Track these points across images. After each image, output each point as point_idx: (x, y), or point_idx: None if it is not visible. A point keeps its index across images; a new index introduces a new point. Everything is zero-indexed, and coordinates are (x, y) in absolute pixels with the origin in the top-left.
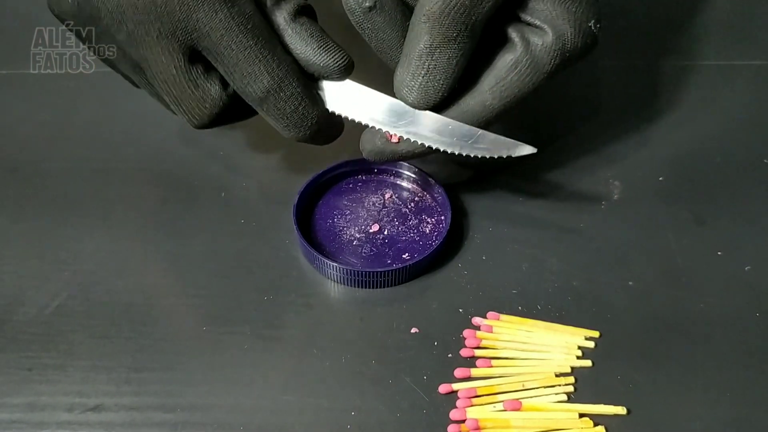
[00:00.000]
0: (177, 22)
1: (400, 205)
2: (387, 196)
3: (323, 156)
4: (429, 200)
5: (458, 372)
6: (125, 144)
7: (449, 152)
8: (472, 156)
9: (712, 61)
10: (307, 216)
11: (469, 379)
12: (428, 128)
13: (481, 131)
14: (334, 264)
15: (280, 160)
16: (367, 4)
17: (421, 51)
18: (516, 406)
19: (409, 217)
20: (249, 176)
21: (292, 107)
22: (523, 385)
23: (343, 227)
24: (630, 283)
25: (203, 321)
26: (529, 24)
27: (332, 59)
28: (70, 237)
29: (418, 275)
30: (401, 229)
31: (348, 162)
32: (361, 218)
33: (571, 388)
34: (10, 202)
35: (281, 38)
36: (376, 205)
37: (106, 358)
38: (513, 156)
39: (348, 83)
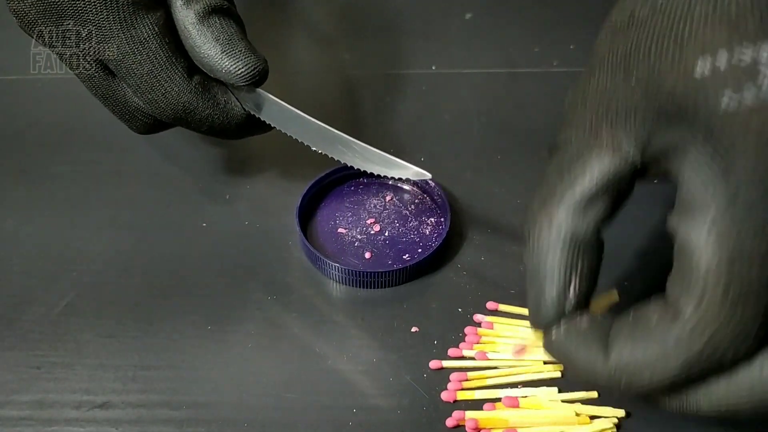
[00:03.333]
0: (85, 44)
1: (401, 207)
2: (388, 198)
3: (325, 159)
4: (429, 202)
5: (451, 352)
6: (131, 147)
7: (343, 163)
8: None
9: None
10: (310, 218)
11: (462, 358)
12: (330, 141)
13: (383, 156)
14: (336, 265)
15: (284, 164)
16: None
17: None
18: (514, 404)
19: (410, 218)
20: (253, 179)
21: (207, 125)
22: (512, 371)
23: (345, 229)
24: (625, 283)
25: (208, 320)
26: None
27: (236, 66)
28: (78, 238)
29: (419, 275)
30: (402, 230)
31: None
32: (362, 220)
33: (558, 374)
34: (20, 203)
35: (187, 41)
36: (377, 207)
37: (113, 357)
38: (403, 178)
39: (260, 92)
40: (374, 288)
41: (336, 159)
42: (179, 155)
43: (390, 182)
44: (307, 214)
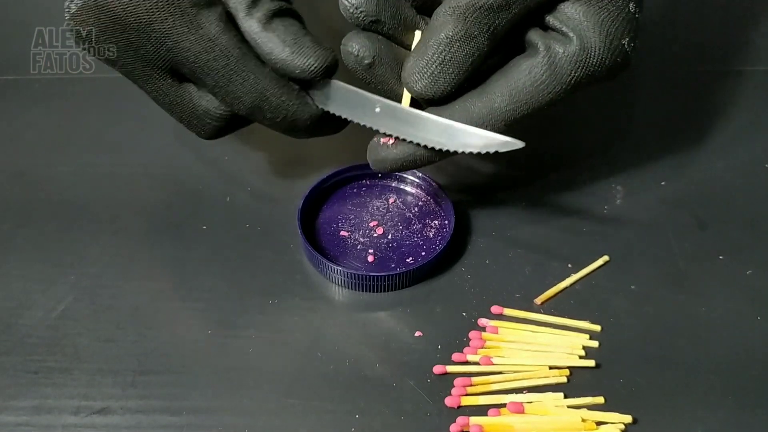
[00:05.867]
0: (153, 54)
1: (404, 209)
2: (391, 200)
3: (328, 161)
4: (432, 205)
5: (455, 357)
6: (130, 149)
7: (437, 149)
8: (459, 152)
9: (714, 66)
10: (312, 220)
11: (466, 363)
12: (412, 125)
13: (464, 126)
14: (338, 268)
15: (285, 165)
16: (366, 61)
17: (440, 41)
18: (518, 409)
19: (413, 221)
20: (254, 181)
21: (282, 115)
22: (517, 376)
23: (348, 231)
24: (632, 286)
25: (208, 324)
26: (554, 30)
27: (308, 63)
28: (75, 241)
29: (422, 279)
30: (405, 233)
31: (352, 167)
32: (365, 222)
33: (564, 379)
34: (17, 206)
35: (257, 49)
36: (380, 209)
37: (112, 362)
38: (500, 152)
39: (333, 83)
40: (377, 292)
41: (420, 144)
42: (178, 158)
43: (393, 184)
44: (309, 216)
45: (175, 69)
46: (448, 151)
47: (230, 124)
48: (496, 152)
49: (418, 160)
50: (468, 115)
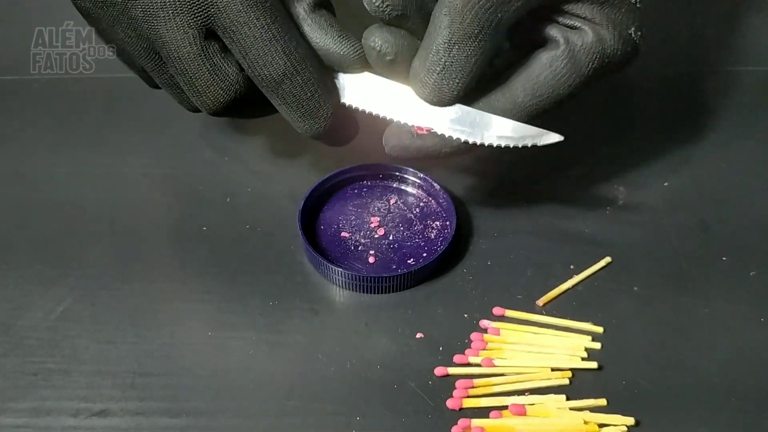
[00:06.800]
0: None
1: (405, 210)
2: (392, 201)
3: (328, 161)
4: (434, 205)
5: (457, 358)
6: (130, 149)
7: (470, 142)
8: (495, 146)
9: (714, 67)
10: (312, 221)
11: (467, 365)
12: (448, 117)
13: (503, 119)
14: (339, 269)
15: (286, 166)
16: (388, 57)
17: (439, 46)
18: (520, 411)
19: (414, 222)
20: (254, 182)
21: (308, 94)
22: (519, 378)
23: (349, 232)
24: (635, 288)
25: (208, 326)
26: (568, 26)
27: (353, 48)
28: (75, 242)
29: (423, 280)
30: (406, 234)
31: (353, 167)
32: (366, 223)
33: (566, 381)
34: (16, 207)
35: (299, 28)
36: (381, 210)
37: (112, 363)
38: (538, 145)
39: (366, 75)
40: (378, 293)
41: (453, 137)
42: (179, 158)
43: (394, 185)
44: (309, 217)
45: (207, 23)
46: (483, 144)
47: (240, 102)
48: (526, 147)
49: (443, 153)
50: (492, 112)
